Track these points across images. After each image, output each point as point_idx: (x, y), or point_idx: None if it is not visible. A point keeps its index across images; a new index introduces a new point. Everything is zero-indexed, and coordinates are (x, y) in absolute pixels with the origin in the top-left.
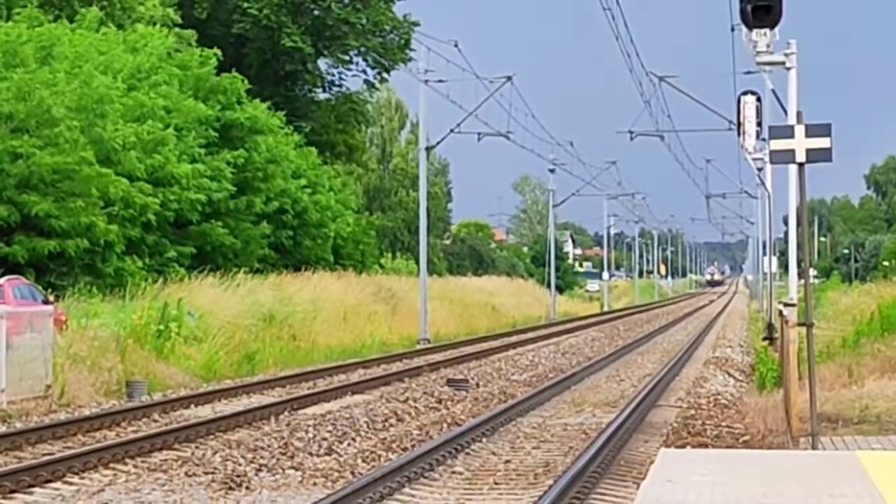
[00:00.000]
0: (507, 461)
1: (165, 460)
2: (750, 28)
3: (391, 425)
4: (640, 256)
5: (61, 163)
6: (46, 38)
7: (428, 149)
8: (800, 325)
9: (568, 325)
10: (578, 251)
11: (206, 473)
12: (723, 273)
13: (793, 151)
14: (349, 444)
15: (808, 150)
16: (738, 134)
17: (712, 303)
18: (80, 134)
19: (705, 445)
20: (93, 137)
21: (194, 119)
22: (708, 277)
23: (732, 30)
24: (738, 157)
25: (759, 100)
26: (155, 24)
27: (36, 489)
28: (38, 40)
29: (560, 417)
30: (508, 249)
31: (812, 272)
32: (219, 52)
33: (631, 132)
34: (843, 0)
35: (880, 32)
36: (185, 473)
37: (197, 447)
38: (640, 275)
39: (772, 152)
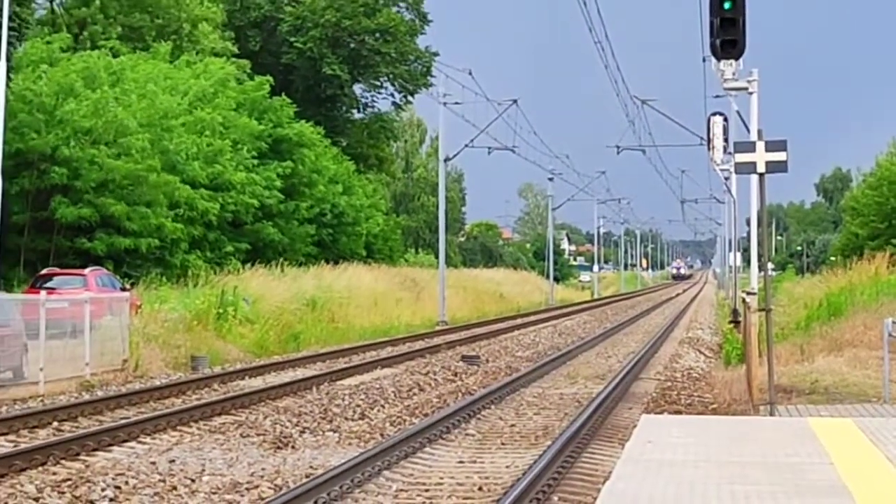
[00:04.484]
0: (513, 425)
1: (224, 423)
2: (718, 59)
3: (414, 394)
4: (625, 252)
5: (133, 170)
6: (118, 65)
7: (446, 160)
8: (760, 310)
9: (564, 310)
10: (573, 247)
11: (258, 435)
12: (691, 266)
13: (754, 163)
14: (379, 410)
15: (768, 163)
16: (708, 148)
17: (686, 292)
18: (148, 144)
19: (680, 412)
20: (160, 149)
21: (248, 134)
22: (674, 272)
23: (704, 60)
24: (708, 169)
25: (725, 120)
26: (216, 54)
27: (114, 448)
28: (110, 67)
29: (557, 388)
30: (514, 246)
31: (770, 266)
32: (270, 79)
33: (618, 147)
34: (797, 32)
35: (830, 60)
36: (241, 434)
37: (250, 412)
38: (625, 267)
39: (736, 164)
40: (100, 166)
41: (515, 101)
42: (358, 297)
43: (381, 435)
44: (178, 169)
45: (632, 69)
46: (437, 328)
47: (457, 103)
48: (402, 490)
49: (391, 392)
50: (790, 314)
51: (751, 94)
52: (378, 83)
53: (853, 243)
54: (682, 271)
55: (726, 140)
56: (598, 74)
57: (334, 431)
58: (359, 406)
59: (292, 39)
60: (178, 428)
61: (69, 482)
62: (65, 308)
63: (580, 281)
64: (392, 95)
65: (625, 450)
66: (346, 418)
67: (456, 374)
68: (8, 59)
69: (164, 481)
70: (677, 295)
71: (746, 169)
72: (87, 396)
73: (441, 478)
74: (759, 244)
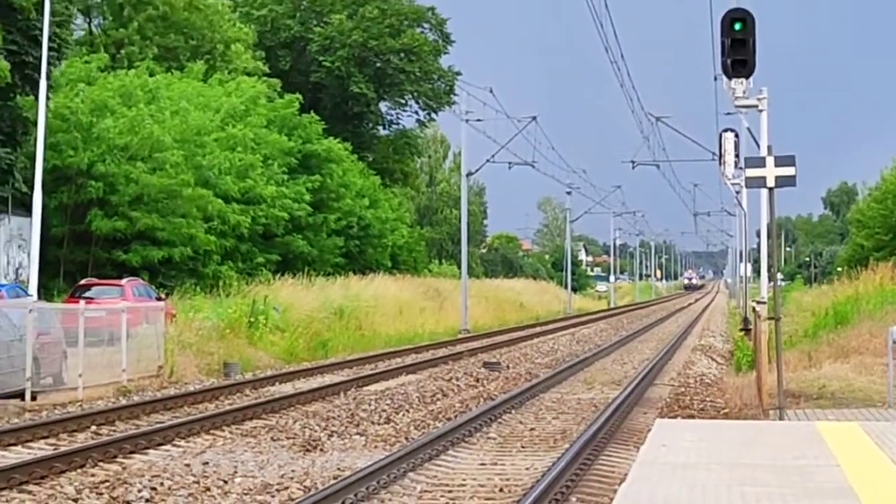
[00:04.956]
0: (532, 429)
1: (255, 427)
2: (729, 78)
3: (438, 399)
4: (640, 263)
5: (167, 184)
6: (153, 84)
7: (468, 175)
8: (770, 318)
9: (581, 319)
10: (590, 258)
11: (288, 438)
12: (702, 277)
13: (764, 178)
14: (404, 415)
15: (777, 177)
16: (720, 163)
17: (698, 301)
18: (182, 160)
19: (693, 416)
20: (194, 164)
21: (278, 150)
22: (685, 282)
23: (715, 79)
24: (720, 183)
25: (736, 136)
26: (248, 73)
27: (150, 451)
28: (146, 86)
29: (575, 393)
30: (533, 257)
31: (779, 276)
32: (300, 97)
33: (633, 162)
34: (805, 52)
35: (837, 78)
36: (271, 438)
37: (280, 417)
38: (640, 278)
39: (747, 178)
40: (135, 181)
41: (535, 118)
42: (384, 306)
43: (406, 438)
44: (211, 183)
45: (646, 87)
46: (460, 336)
47: (479, 120)
48: (426, 491)
49: (415, 397)
50: (798, 323)
51: (760, 111)
52: (403, 101)
53: (859, 254)
54: (694, 281)
55: (737, 155)
56: (614, 92)
57: (361, 435)
58: (384, 411)
59: (321, 59)
60: (212, 431)
61: (107, 483)
62: (103, 317)
63: (597, 291)
64: (416, 113)
65: (640, 453)
66: (373, 422)
67: (478, 380)
68: (47, 78)
69: (198, 483)
70: (689, 305)
71: (757, 183)
72: (124, 401)
73: (464, 479)
74: (769, 255)
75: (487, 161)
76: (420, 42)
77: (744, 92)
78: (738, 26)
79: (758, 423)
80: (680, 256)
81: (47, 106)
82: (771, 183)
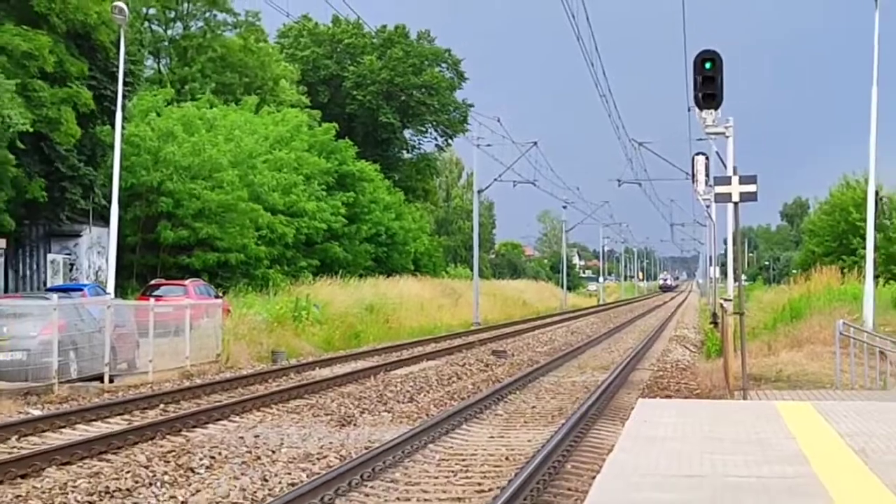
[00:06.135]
0: (533, 407)
1: (298, 405)
2: (701, 109)
3: (453, 382)
4: (625, 266)
5: (225, 200)
6: (211, 115)
7: (479, 192)
8: (735, 313)
9: (575, 314)
10: (583, 262)
11: (327, 414)
12: (676, 278)
13: (730, 194)
14: (425, 395)
15: (741, 193)
16: (693, 182)
17: (673, 299)
18: (237, 179)
19: (670, 396)
20: (246, 182)
21: (318, 170)
22: (661, 283)
23: (689, 110)
24: (692, 198)
25: (707, 158)
26: (292, 105)
27: (210, 425)
28: (204, 116)
29: (569, 377)
30: (534, 261)
31: (743, 277)
32: (336, 125)
33: (619, 181)
34: (766, 86)
35: (792, 107)
36: (312, 414)
37: (320, 396)
38: (625, 279)
39: (716, 195)
40: (197, 197)
41: (535, 144)
42: (408, 303)
43: (427, 415)
44: (261, 199)
45: (630, 117)
46: (472, 328)
47: (488, 145)
48: (443, 459)
49: (434, 380)
50: (759, 317)
51: (727, 137)
52: (424, 129)
53: (811, 259)
54: (669, 282)
55: (707, 175)
56: (603, 121)
57: (388, 412)
58: (408, 391)
59: (354, 93)
60: (262, 409)
61: (173, 453)
62: (169, 312)
63: (588, 290)
64: (435, 139)
65: (625, 427)
66: (398, 401)
67: (487, 366)
68: (122, 109)
69: (250, 452)
70: (665, 302)
71: (724, 198)
72: (187, 384)
73: (475, 450)
74: (734, 260)
75: (495, 180)
76: (438, 79)
77: (713, 121)
78: (708, 65)
79: (725, 402)
80: (659, 261)
81: (122, 133)
82: (736, 198)
